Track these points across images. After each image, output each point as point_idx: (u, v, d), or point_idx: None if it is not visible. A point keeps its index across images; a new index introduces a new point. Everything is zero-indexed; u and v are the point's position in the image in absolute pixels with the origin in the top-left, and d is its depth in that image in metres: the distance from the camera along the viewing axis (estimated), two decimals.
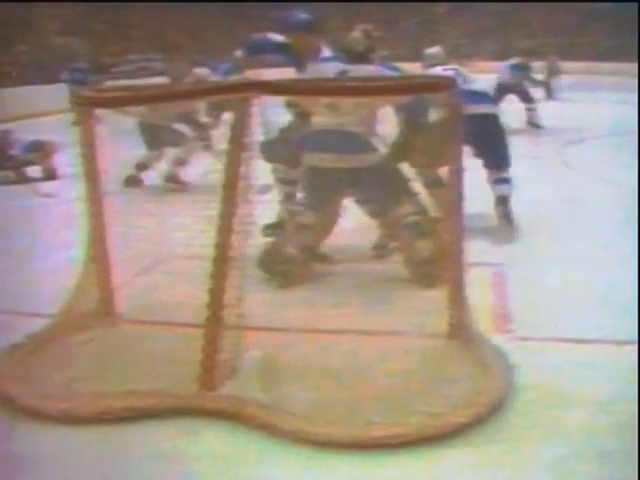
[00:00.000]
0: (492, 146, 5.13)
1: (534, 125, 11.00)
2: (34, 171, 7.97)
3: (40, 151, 8.09)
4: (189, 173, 7.03)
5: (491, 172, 5.20)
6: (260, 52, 5.10)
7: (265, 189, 4.63)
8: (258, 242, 3.88)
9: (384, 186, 4.04)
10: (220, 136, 3.73)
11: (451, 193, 3.15)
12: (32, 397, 2.75)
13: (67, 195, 5.80)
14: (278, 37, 4.86)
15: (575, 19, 31.39)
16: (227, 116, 3.01)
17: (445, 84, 3.13)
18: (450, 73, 5.24)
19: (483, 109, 5.05)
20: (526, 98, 11.13)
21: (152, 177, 7.23)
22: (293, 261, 4.08)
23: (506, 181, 5.22)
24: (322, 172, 4.07)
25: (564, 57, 19.02)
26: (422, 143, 4.06)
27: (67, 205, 5.48)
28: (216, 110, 8.19)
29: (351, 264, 4.33)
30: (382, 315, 3.27)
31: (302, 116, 4.31)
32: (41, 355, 3.12)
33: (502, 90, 10.48)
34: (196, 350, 2.78)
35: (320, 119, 4.07)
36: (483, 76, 6.40)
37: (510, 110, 8.70)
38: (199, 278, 2.88)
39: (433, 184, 4.31)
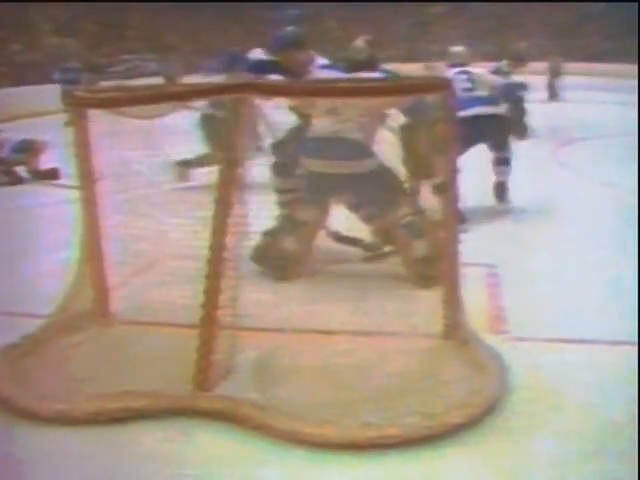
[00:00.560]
0: (497, 140, 5.94)
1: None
2: (23, 171, 7.95)
3: (29, 150, 8.04)
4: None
5: (494, 154, 6.01)
6: (238, 68, 5.06)
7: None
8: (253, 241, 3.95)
9: (380, 190, 4.09)
10: None
11: (447, 194, 3.15)
12: (27, 398, 2.74)
13: (61, 196, 5.81)
14: (260, 55, 4.87)
15: (570, 20, 31.48)
16: None
17: (441, 85, 3.13)
18: (460, 75, 5.83)
19: (488, 110, 5.77)
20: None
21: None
22: (290, 256, 4.17)
23: (506, 162, 5.98)
24: (320, 176, 4.15)
25: (548, 58, 19.05)
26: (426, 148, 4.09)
27: (62, 206, 5.48)
28: None
29: (345, 265, 4.33)
30: (377, 316, 3.27)
31: (303, 118, 4.35)
32: (36, 356, 3.11)
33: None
34: (191, 350, 2.78)
35: (319, 126, 4.15)
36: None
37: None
38: (194, 279, 2.88)
39: (439, 189, 4.36)
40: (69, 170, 3.50)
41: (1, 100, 14.41)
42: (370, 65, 4.35)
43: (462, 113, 5.58)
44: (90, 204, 3.37)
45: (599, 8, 30.50)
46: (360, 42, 4.45)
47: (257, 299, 3.18)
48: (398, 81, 3.61)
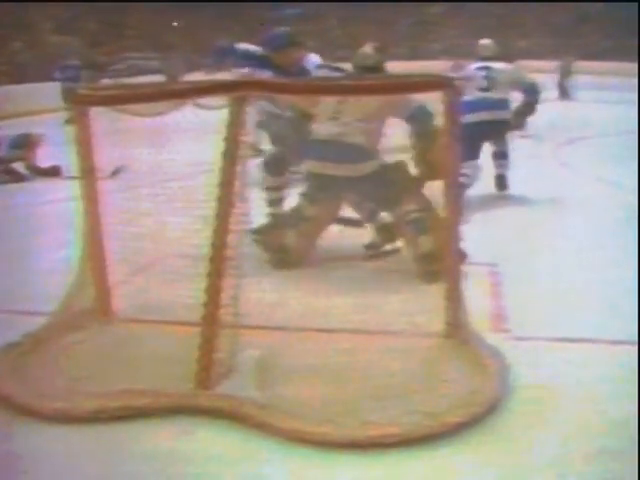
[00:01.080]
0: (498, 138, 6.39)
1: None
2: (21, 167, 7.95)
3: (26, 145, 8.03)
4: None
5: (493, 148, 6.42)
6: (229, 58, 5.09)
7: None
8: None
9: (383, 189, 4.16)
10: None
11: (449, 192, 3.15)
12: (28, 396, 2.74)
13: (63, 194, 5.80)
14: (248, 46, 4.92)
15: (569, 20, 31.49)
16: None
17: (442, 83, 3.12)
18: (480, 71, 6.17)
19: (497, 116, 6.12)
20: None
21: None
22: (290, 248, 4.33)
23: (505, 155, 6.38)
24: (323, 177, 4.25)
25: (559, 57, 19.09)
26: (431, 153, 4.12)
27: (63, 204, 5.48)
28: None
29: (346, 263, 4.33)
30: (378, 314, 3.27)
31: (305, 117, 4.38)
32: (37, 354, 3.11)
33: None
34: (192, 349, 2.78)
35: (322, 128, 4.23)
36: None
37: None
38: (195, 277, 2.88)
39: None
40: (70, 168, 3.50)
41: (2, 98, 14.42)
42: (378, 71, 4.43)
43: (471, 117, 5.97)
44: (92, 202, 3.37)
45: (597, 8, 30.53)
46: (368, 48, 4.54)
47: (258, 298, 3.17)
48: (399, 78, 3.60)
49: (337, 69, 4.81)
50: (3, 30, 19.87)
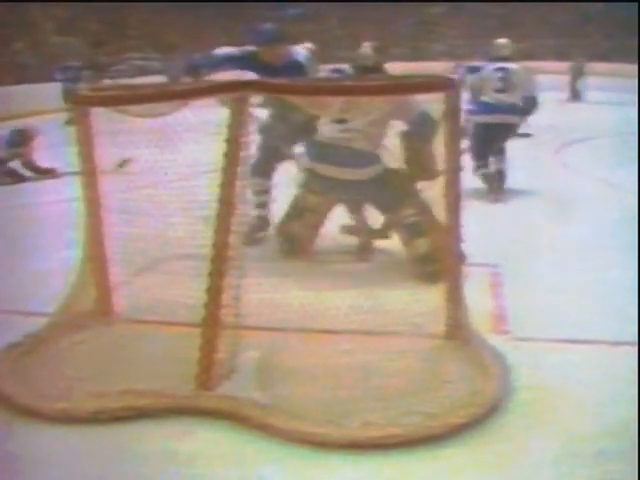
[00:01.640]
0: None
1: None
2: (19, 164, 7.95)
3: (22, 141, 8.04)
4: None
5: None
6: (203, 70, 5.05)
7: None
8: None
9: (385, 193, 4.21)
10: None
11: (449, 192, 3.15)
12: (29, 396, 2.75)
13: (64, 194, 5.79)
14: (227, 50, 4.93)
15: (571, 20, 31.46)
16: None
17: (443, 84, 3.12)
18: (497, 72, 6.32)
19: (509, 120, 6.35)
20: None
21: None
22: (297, 238, 4.51)
23: (502, 151, 6.51)
24: (325, 178, 4.29)
25: (559, 58, 19.09)
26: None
27: (64, 204, 5.48)
28: None
29: (345, 265, 4.34)
30: (379, 315, 3.27)
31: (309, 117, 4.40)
32: (38, 354, 3.12)
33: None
34: (193, 349, 2.78)
35: (326, 130, 4.25)
36: None
37: None
38: (196, 278, 2.88)
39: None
40: (69, 169, 3.50)
41: (3, 98, 14.41)
42: (377, 71, 4.44)
43: (484, 118, 6.30)
44: (93, 203, 3.37)
45: (597, 8, 30.50)
46: (367, 48, 4.54)
47: (259, 298, 3.17)
48: (400, 79, 3.60)
49: (338, 71, 4.81)
50: (4, 30, 19.86)
